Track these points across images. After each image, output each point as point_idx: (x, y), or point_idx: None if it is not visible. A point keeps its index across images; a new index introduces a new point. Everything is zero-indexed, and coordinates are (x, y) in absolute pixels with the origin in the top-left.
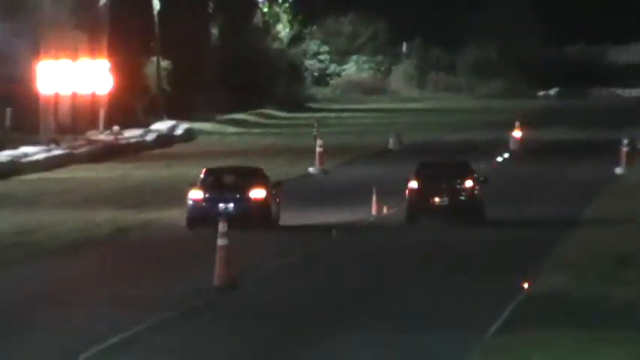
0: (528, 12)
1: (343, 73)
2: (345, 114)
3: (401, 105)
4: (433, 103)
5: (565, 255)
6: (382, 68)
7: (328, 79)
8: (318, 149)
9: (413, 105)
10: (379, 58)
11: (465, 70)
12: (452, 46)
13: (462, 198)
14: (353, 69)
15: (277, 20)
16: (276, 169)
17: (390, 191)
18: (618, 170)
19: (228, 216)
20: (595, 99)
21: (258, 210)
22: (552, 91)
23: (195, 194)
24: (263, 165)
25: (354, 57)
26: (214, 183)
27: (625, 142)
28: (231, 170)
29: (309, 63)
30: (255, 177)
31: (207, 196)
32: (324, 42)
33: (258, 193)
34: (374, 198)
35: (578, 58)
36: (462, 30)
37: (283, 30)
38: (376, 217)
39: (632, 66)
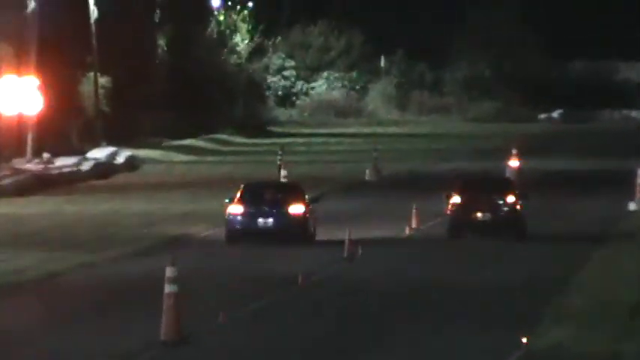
0: (526, 24)
1: (312, 92)
2: (314, 139)
3: (379, 129)
4: (417, 127)
5: (572, 303)
6: (357, 86)
7: (294, 98)
8: (282, 180)
9: (393, 129)
10: (354, 74)
11: (453, 89)
12: (438, 61)
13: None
14: (323, 87)
15: (235, 31)
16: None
17: (367, 230)
18: (632, 206)
19: (267, 230)
20: (605, 122)
21: (296, 225)
22: (555, 114)
23: (234, 209)
24: (217, 199)
25: (325, 73)
26: (253, 198)
27: (639, 172)
28: (269, 185)
29: (272, 80)
30: (294, 192)
31: (246, 210)
32: (289, 56)
33: (297, 209)
34: (347, 240)
35: (584, 75)
36: (449, 43)
37: (242, 42)
38: (350, 259)
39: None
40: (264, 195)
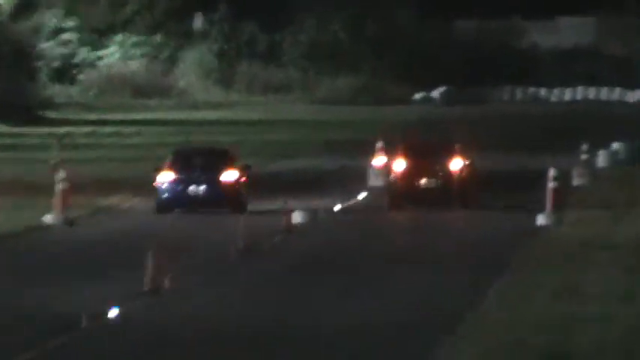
0: None
1: (101, 63)
2: (105, 129)
3: (194, 114)
4: (246, 112)
5: (465, 347)
6: (163, 55)
7: (76, 72)
8: (58, 186)
9: (213, 114)
10: (158, 38)
11: (295, 60)
12: (275, 20)
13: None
14: (116, 56)
15: None
16: None
17: (177, 250)
18: (541, 219)
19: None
20: (505, 104)
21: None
22: (436, 93)
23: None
24: None
25: (118, 37)
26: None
27: (552, 174)
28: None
29: (45, 47)
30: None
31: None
32: (69, 13)
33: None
34: (149, 264)
35: (475, 40)
36: None
37: None
38: (154, 292)
39: (561, 53)
40: (195, 161)
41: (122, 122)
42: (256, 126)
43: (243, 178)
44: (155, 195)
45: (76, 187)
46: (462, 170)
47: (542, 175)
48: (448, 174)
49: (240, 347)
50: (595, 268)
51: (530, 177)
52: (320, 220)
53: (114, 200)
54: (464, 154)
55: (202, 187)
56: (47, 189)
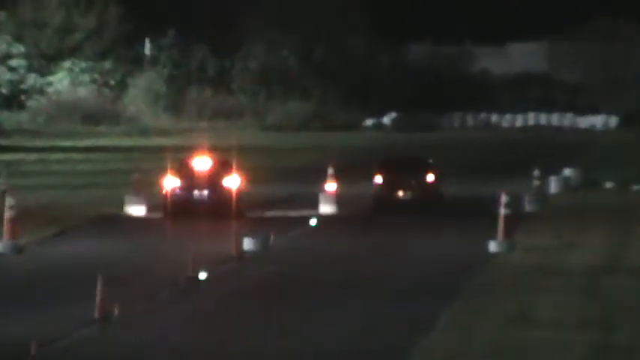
0: None
1: (50, 90)
2: (53, 155)
3: (143, 140)
4: (195, 138)
5: None
6: (113, 81)
7: (24, 98)
8: (7, 213)
9: (163, 141)
10: (107, 64)
11: (245, 85)
12: (224, 45)
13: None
14: (65, 82)
15: None
16: None
17: (126, 279)
18: (493, 246)
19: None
20: (456, 131)
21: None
22: (387, 119)
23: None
24: None
25: (67, 63)
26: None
27: (503, 200)
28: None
29: None
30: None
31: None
32: (17, 39)
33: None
34: (98, 292)
35: (425, 65)
36: (239, 21)
37: None
38: (103, 319)
39: (512, 79)
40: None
41: (71, 149)
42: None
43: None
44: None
45: (24, 216)
46: (433, 183)
47: (494, 202)
48: (422, 187)
49: None
50: (547, 294)
51: (482, 203)
52: (271, 246)
53: (67, 225)
54: (435, 169)
55: None
56: None
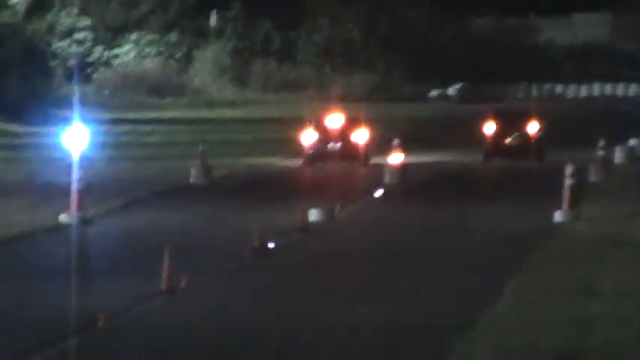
0: None
1: (115, 62)
2: (119, 127)
3: (209, 113)
4: (261, 110)
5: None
6: (178, 54)
7: (91, 71)
8: (74, 186)
9: (228, 113)
10: (173, 37)
11: (310, 58)
12: (289, 19)
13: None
14: (131, 55)
15: None
16: (10, 216)
17: (193, 253)
18: (558, 217)
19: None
20: (521, 101)
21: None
22: (452, 90)
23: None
24: None
25: (133, 36)
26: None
27: (569, 171)
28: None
29: (59, 46)
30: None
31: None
32: (83, 12)
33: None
34: (166, 266)
35: (492, 36)
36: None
37: None
38: (170, 291)
39: (576, 49)
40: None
41: (137, 121)
42: (271, 124)
43: None
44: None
45: (90, 188)
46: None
47: (559, 172)
48: (528, 135)
49: (248, 348)
50: (612, 266)
51: (548, 173)
52: (336, 218)
53: (134, 196)
54: (539, 120)
55: None
56: (61, 189)
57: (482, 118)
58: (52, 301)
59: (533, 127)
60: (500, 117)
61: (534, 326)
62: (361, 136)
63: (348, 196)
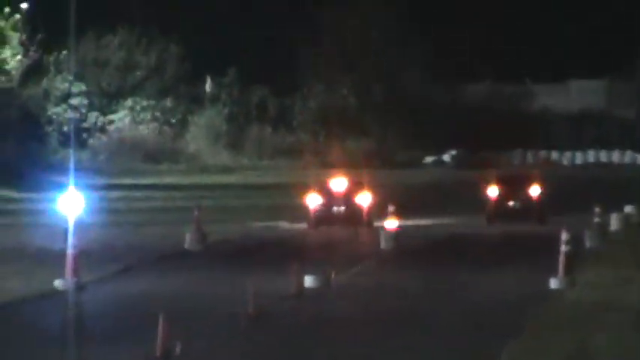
0: (407, 34)
1: (111, 128)
2: (114, 193)
3: (205, 179)
4: (256, 176)
5: None
6: (174, 119)
7: (86, 136)
8: (69, 251)
9: (224, 178)
10: (168, 103)
11: (306, 124)
12: (285, 85)
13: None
14: (126, 120)
15: (2, 42)
16: (4, 283)
17: (188, 318)
18: (554, 283)
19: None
20: (517, 167)
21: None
22: (447, 156)
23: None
24: None
25: (129, 102)
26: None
27: (564, 238)
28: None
29: (54, 111)
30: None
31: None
32: (79, 77)
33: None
34: (160, 332)
35: (487, 103)
36: (299, 61)
37: (12, 57)
38: (165, 357)
39: (572, 115)
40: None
41: (132, 187)
42: (265, 190)
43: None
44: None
45: (85, 253)
46: (539, 196)
47: (554, 238)
48: (530, 197)
49: None
50: (609, 331)
51: (543, 240)
52: (332, 283)
53: (130, 262)
54: (540, 183)
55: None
56: (55, 255)
57: (485, 182)
58: None
59: (535, 191)
60: (503, 180)
61: None
62: (364, 199)
63: (345, 261)
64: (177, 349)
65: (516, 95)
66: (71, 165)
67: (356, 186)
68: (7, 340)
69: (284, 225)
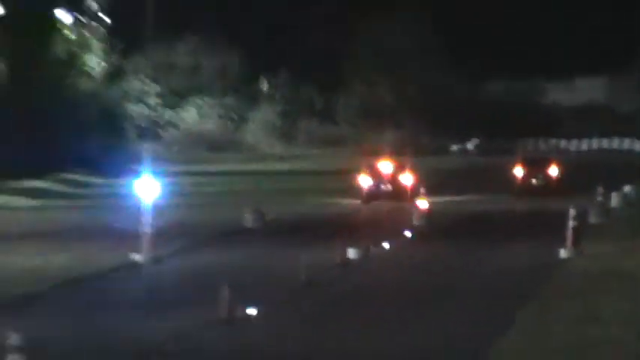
0: (432, 38)
1: (180, 123)
2: (184, 179)
3: (261, 166)
4: (306, 163)
5: None
6: (234, 115)
7: (159, 130)
8: (146, 229)
9: (277, 166)
10: (230, 101)
11: (348, 117)
12: (330, 83)
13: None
14: (194, 116)
15: (88, 51)
16: (89, 257)
17: (250, 286)
18: (563, 253)
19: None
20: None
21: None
22: (470, 144)
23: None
24: (68, 252)
25: (196, 100)
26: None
27: (572, 214)
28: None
29: (132, 109)
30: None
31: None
32: (153, 79)
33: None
34: (225, 295)
35: (503, 98)
36: (343, 62)
37: (97, 65)
38: (228, 321)
39: (578, 109)
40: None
41: (199, 173)
42: (314, 175)
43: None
44: None
45: (159, 231)
46: (558, 175)
47: (565, 214)
48: (549, 177)
49: None
50: (613, 295)
51: (555, 215)
52: (371, 255)
53: (198, 238)
54: (558, 165)
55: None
56: (133, 232)
57: (511, 165)
58: (131, 329)
59: (554, 171)
60: (527, 162)
61: (543, 352)
62: (408, 179)
63: (383, 236)
64: (241, 312)
65: (529, 91)
66: (146, 155)
67: (400, 168)
68: (96, 304)
69: (339, 201)
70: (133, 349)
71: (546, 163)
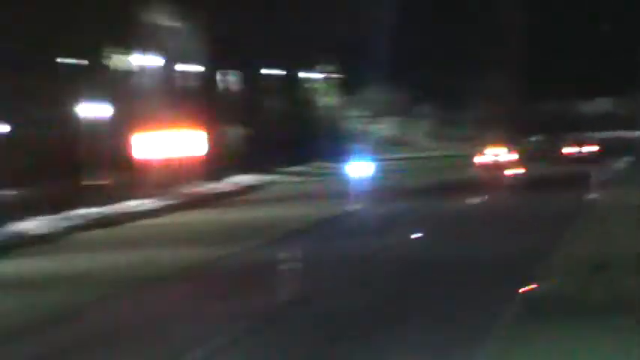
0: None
1: (377, 131)
2: (381, 163)
3: (422, 154)
4: (448, 152)
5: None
6: (406, 126)
7: (365, 135)
8: (356, 192)
9: (432, 153)
10: (401, 118)
11: (471, 125)
12: (456, 106)
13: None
14: (384, 127)
15: (329, 96)
16: (327, 208)
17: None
18: (588, 196)
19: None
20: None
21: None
22: (534, 138)
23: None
24: (328, 206)
25: (389, 118)
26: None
27: (592, 174)
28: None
29: (348, 124)
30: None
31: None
32: (364, 108)
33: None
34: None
35: (550, 112)
36: (465, 93)
37: (331, 102)
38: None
39: (598, 115)
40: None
41: (388, 159)
42: (452, 158)
43: None
44: None
45: (369, 193)
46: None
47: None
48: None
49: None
50: (620, 217)
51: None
52: (485, 201)
53: (390, 196)
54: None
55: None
56: (345, 195)
57: (566, 144)
58: (361, 245)
59: (593, 147)
60: (577, 143)
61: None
62: (512, 156)
63: (489, 190)
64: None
65: (565, 106)
66: (358, 150)
67: (507, 149)
68: (336, 233)
69: (467, 172)
70: (361, 255)
71: (588, 143)
